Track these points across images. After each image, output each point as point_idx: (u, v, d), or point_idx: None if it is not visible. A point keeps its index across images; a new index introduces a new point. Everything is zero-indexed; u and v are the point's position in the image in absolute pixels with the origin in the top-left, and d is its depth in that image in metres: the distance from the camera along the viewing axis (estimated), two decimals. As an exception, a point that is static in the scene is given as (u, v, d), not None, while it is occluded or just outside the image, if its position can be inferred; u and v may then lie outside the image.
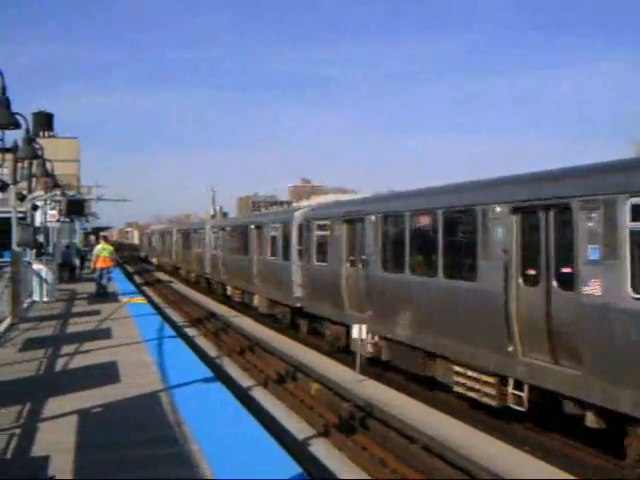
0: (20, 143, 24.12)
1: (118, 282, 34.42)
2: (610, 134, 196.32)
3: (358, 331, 16.46)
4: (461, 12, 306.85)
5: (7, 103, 15.16)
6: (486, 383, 12.16)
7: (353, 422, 13.06)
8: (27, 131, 22.70)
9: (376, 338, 16.42)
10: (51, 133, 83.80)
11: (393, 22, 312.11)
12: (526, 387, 11.12)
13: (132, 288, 35.05)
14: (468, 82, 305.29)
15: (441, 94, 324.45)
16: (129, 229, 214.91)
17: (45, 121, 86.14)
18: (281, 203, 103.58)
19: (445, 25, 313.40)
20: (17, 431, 8.64)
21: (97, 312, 21.94)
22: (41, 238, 36.97)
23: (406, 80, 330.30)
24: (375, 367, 17.19)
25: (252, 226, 29.72)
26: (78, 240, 53.11)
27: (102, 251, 28.34)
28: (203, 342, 23.65)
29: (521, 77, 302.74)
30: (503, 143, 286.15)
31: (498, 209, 11.72)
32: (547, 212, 10.73)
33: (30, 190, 31.60)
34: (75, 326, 18.94)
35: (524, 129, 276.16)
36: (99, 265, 28.17)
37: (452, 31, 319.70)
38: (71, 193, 51.11)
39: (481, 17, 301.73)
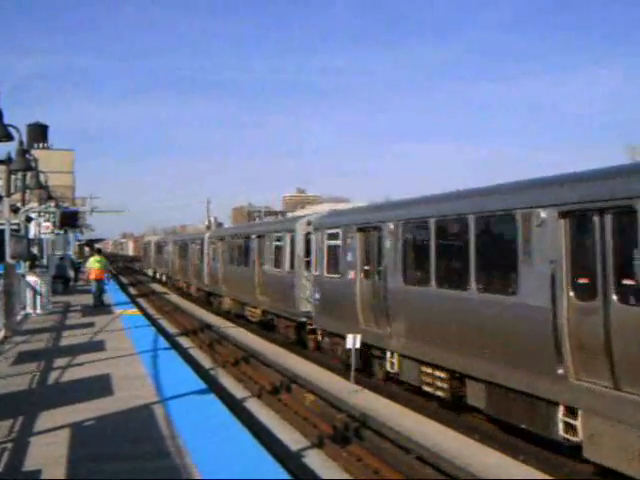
0: (14, 155, 24.11)
1: (112, 294, 34.36)
2: (607, 140, 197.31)
3: (352, 340, 16.38)
4: (456, 17, 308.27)
5: (-1, 115, 15.19)
6: None
7: (347, 433, 13.02)
8: (20, 143, 22.70)
9: None
10: (46, 145, 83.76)
11: (390, 30, 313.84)
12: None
13: (126, 299, 35.01)
14: (464, 88, 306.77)
15: (437, 101, 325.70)
16: (123, 240, 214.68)
17: (40, 132, 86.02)
18: (276, 213, 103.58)
19: (440, 31, 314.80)
20: (9, 445, 8.59)
21: (91, 324, 21.88)
22: (35, 250, 37.00)
23: (402, 87, 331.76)
24: (369, 377, 17.14)
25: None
26: (72, 252, 52.95)
27: (94, 263, 28.97)
28: (197, 353, 23.57)
29: (520, 83, 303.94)
30: (502, 148, 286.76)
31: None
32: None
33: (24, 202, 31.62)
34: (69, 339, 18.87)
35: (523, 135, 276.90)
36: (92, 277, 28.76)
37: (446, 37, 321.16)
38: (65, 205, 51.10)
39: (476, 22, 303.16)
